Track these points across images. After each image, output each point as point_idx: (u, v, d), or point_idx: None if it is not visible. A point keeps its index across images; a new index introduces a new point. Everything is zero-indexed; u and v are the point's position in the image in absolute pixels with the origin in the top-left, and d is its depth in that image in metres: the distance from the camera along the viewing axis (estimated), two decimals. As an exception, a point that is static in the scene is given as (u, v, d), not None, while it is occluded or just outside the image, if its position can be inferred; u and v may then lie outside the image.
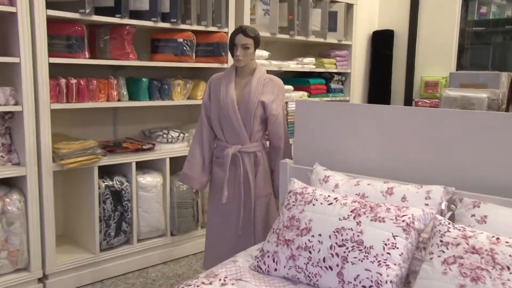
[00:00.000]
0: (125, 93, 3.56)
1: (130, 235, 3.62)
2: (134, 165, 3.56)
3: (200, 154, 2.85)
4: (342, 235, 1.91)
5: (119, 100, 3.55)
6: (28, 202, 3.14)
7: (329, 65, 4.82)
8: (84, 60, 3.32)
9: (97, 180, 3.39)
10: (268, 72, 4.72)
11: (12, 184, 3.20)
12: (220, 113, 2.75)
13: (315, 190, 2.18)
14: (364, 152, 2.45)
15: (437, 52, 5.18)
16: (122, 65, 3.61)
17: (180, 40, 3.74)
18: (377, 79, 5.63)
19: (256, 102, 2.70)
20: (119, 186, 3.51)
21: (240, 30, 2.67)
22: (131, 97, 3.63)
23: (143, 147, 3.66)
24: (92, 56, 3.45)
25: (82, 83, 3.33)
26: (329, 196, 2.11)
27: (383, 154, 2.38)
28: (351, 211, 1.97)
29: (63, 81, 3.26)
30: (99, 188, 3.41)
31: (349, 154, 2.50)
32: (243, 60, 2.69)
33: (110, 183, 3.48)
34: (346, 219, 1.95)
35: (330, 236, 1.92)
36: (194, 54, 3.82)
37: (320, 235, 1.95)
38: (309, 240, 1.95)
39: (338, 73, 5.02)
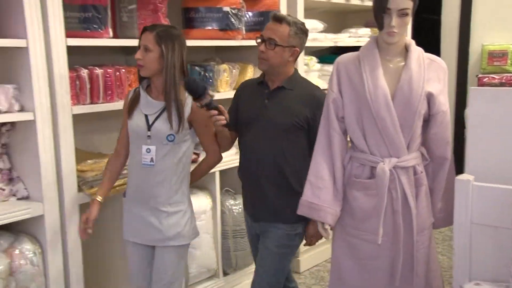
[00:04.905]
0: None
1: (176, 283, 2.94)
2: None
3: (329, 173, 2.21)
4: None
5: (155, 95, 2.84)
6: (47, 254, 2.39)
7: (383, 37, 4.27)
8: (109, 41, 2.59)
9: (134, 211, 2.67)
10: (322, 50, 4.29)
11: (19, 228, 2.43)
12: (363, 112, 2.13)
13: None
14: None
15: (503, 13, 4.73)
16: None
17: (226, 8, 3.07)
18: (422, 52, 5.17)
19: (422, 94, 2.09)
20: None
21: None
22: (168, 90, 2.92)
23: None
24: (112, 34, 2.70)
25: (109, 75, 2.58)
26: None
27: None
28: None
29: (84, 73, 2.51)
30: (136, 222, 2.68)
31: None
32: (398, 34, 2.07)
33: (151, 213, 2.77)
34: None
35: None
36: (244, 28, 3.15)
37: None
38: None
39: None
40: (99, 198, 2.34)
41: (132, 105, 2.32)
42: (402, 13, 2.03)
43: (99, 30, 2.54)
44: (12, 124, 2.39)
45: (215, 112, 2.21)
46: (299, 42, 2.38)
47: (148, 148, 2.26)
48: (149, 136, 2.26)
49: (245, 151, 2.48)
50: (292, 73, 2.42)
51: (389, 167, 2.11)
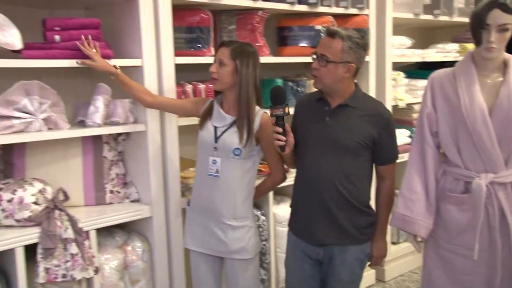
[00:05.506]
0: (257, 99, 3.04)
1: (268, 285, 3.10)
2: (271, 193, 3.03)
3: (422, 186, 2.21)
4: None
5: (251, 108, 3.03)
6: (155, 252, 2.63)
7: (472, 52, 4.26)
8: (211, 59, 2.77)
9: (230, 217, 2.86)
10: (409, 65, 4.35)
11: (130, 227, 2.69)
12: (458, 127, 2.14)
13: None
14: None
15: None
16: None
17: (318, 27, 3.21)
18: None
19: None
20: (256, 222, 2.97)
21: (496, 3, 2.01)
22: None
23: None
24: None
25: (210, 90, 2.80)
26: None
27: None
28: None
29: (189, 88, 2.74)
30: (232, 227, 2.86)
31: None
32: (497, 49, 2.05)
33: (245, 219, 2.96)
34: None
35: None
36: (334, 45, 3.29)
37: None
38: None
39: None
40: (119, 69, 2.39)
41: (205, 116, 2.39)
42: (502, 29, 2.01)
43: (203, 49, 2.76)
44: (127, 134, 2.65)
45: (280, 129, 2.13)
46: (355, 57, 2.17)
47: (214, 160, 2.31)
48: (215, 148, 2.31)
49: (306, 170, 2.31)
50: (354, 90, 2.26)
51: (486, 183, 2.08)
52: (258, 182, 2.51)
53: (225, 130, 2.31)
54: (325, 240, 2.28)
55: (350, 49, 2.15)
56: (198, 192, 2.40)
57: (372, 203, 2.37)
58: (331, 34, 2.17)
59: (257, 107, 2.35)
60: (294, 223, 2.41)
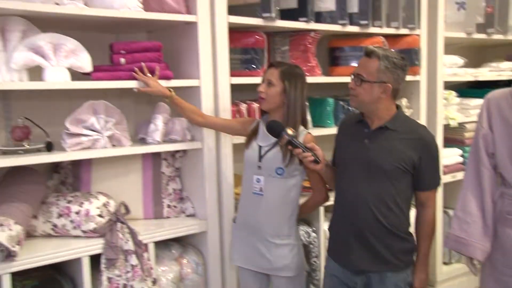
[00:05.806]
0: (309, 118, 3.11)
1: (318, 302, 3.14)
2: (322, 210, 3.09)
3: (479, 208, 2.19)
4: None
5: (303, 127, 3.11)
6: (209, 266, 2.72)
7: (527, 71, 4.21)
8: (264, 79, 2.90)
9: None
10: (460, 84, 4.35)
11: (186, 241, 2.80)
12: None
13: None
14: None
15: None
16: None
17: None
18: None
19: None
20: (306, 238, 3.04)
21: None
22: (314, 123, 3.19)
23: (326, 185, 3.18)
24: (266, 73, 3.01)
25: (265, 109, 2.90)
26: None
27: None
28: None
29: (243, 107, 2.84)
30: (284, 243, 2.93)
31: None
32: None
33: (296, 235, 3.02)
34: None
35: None
36: (385, 65, 3.33)
37: None
38: None
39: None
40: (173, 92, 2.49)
41: (251, 135, 2.46)
42: None
43: (257, 69, 2.86)
44: (184, 151, 2.77)
45: (299, 150, 2.16)
46: (391, 78, 2.13)
47: (258, 178, 2.37)
48: (259, 166, 2.37)
49: (343, 193, 2.30)
50: (394, 112, 2.22)
51: None
52: (304, 199, 2.57)
53: (269, 150, 2.36)
54: (361, 266, 2.23)
55: (387, 69, 2.13)
56: (243, 210, 2.48)
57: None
58: (368, 53, 2.17)
59: (301, 127, 2.40)
60: (331, 246, 2.39)
